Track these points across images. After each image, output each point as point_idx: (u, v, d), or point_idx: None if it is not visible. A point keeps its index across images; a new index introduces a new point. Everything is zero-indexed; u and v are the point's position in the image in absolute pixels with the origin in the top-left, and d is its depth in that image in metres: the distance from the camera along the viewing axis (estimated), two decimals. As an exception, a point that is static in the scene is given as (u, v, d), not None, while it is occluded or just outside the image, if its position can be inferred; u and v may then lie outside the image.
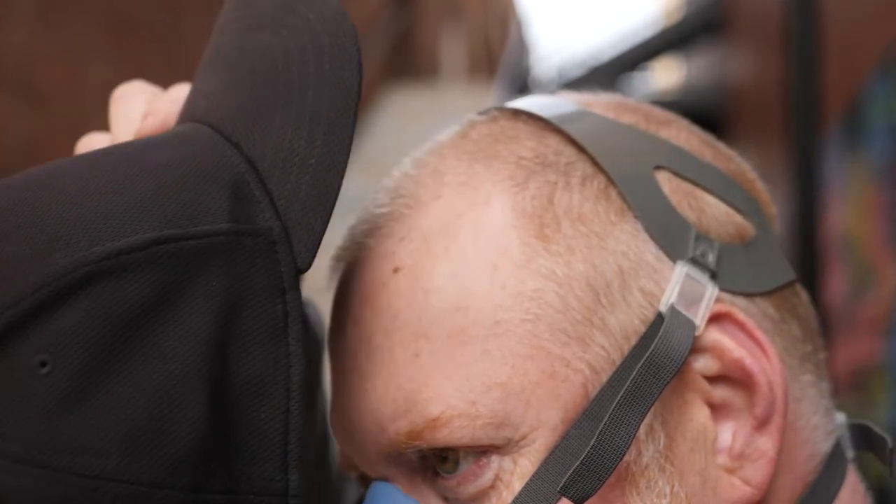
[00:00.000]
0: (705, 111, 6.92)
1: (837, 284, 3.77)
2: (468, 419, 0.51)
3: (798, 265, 2.50)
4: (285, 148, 0.51)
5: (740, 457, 0.53)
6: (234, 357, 0.47)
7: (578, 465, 0.48)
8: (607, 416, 0.48)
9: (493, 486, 0.52)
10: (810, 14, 2.40)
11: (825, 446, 0.58)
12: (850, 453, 0.60)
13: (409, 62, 12.17)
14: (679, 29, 9.66)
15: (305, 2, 0.56)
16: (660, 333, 0.50)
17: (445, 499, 0.54)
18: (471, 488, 0.52)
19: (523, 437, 0.51)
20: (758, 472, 0.53)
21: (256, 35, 0.57)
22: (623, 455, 0.48)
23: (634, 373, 0.49)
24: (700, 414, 0.53)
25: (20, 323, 0.44)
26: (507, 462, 0.52)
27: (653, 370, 0.49)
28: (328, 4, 0.55)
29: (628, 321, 0.52)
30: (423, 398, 0.52)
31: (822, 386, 0.60)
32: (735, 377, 0.54)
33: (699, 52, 9.89)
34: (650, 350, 0.50)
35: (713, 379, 0.54)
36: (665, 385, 0.49)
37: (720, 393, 0.54)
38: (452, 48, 14.16)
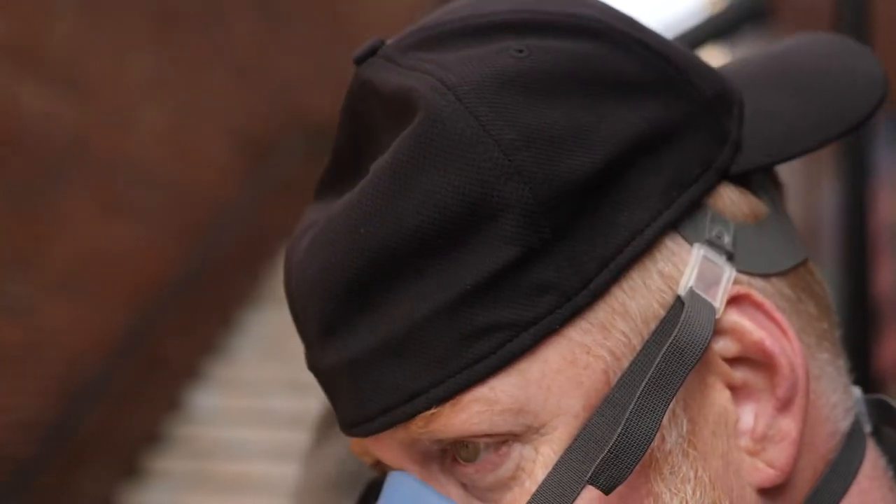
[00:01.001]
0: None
1: (887, 274, 3.73)
2: (486, 404, 0.50)
3: (847, 255, 2.47)
4: (782, 112, 0.57)
5: (763, 439, 0.53)
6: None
7: (606, 454, 0.47)
8: (633, 403, 0.48)
9: (514, 475, 0.51)
10: (860, 2, 2.38)
11: (845, 423, 0.57)
12: (868, 428, 0.59)
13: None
14: (724, 18, 9.58)
15: (862, 57, 0.61)
16: (682, 318, 0.50)
17: (464, 486, 0.54)
18: (491, 477, 0.52)
19: (543, 425, 0.51)
20: (781, 453, 0.53)
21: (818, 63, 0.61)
22: (650, 442, 0.48)
23: (658, 359, 0.49)
24: (721, 397, 0.53)
25: None
26: (528, 450, 0.51)
27: (676, 356, 0.49)
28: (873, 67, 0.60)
29: (648, 305, 0.52)
30: None
31: (839, 363, 0.59)
32: (755, 359, 0.53)
33: (744, 41, 9.80)
34: (673, 336, 0.49)
35: (732, 361, 0.53)
36: (689, 370, 0.49)
37: (740, 375, 0.53)
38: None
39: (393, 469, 0.57)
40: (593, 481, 0.48)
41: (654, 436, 0.48)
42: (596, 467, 0.47)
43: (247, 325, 6.63)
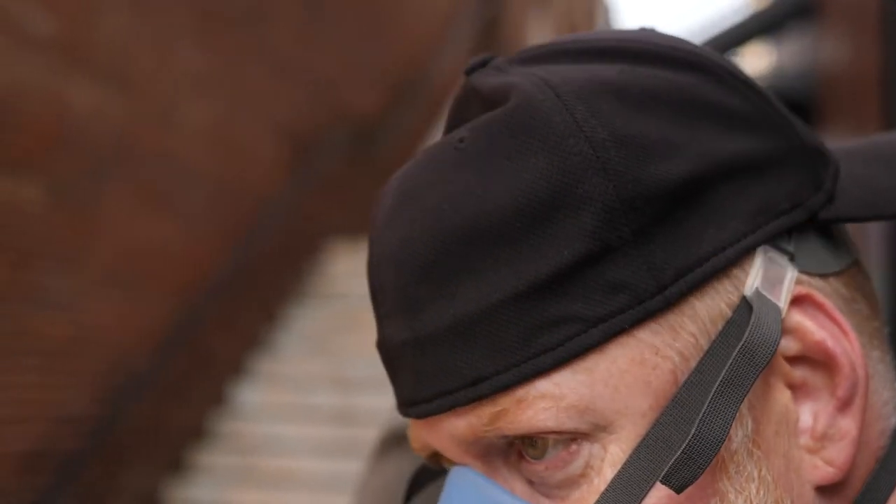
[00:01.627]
0: (796, 97, 6.81)
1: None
2: (552, 401, 0.51)
3: (894, 256, 2.45)
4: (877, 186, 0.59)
5: (823, 438, 0.54)
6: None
7: (680, 455, 0.48)
8: (706, 405, 0.49)
9: (583, 473, 0.52)
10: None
11: (893, 420, 0.58)
12: None
13: (495, 50, 12.13)
14: (770, 13, 9.51)
15: None
16: (752, 320, 0.51)
17: (530, 482, 0.54)
18: (560, 475, 0.52)
19: (610, 424, 0.51)
20: (841, 452, 0.54)
21: None
22: (722, 443, 0.48)
23: (730, 361, 0.49)
24: (783, 396, 0.54)
25: None
26: (596, 449, 0.51)
27: (748, 357, 0.49)
28: None
29: (715, 306, 0.52)
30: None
31: (888, 360, 0.60)
32: (816, 358, 0.54)
33: (790, 36, 9.72)
34: (745, 337, 0.50)
35: (792, 360, 0.54)
36: (760, 372, 0.50)
37: (799, 374, 0.55)
38: (538, 35, 14.10)
39: (454, 463, 0.57)
40: (666, 481, 0.48)
41: (726, 436, 0.48)
42: (669, 467, 0.48)
43: (291, 321, 6.66)
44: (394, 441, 0.95)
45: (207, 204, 5.76)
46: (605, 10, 15.82)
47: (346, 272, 7.02)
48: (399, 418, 0.93)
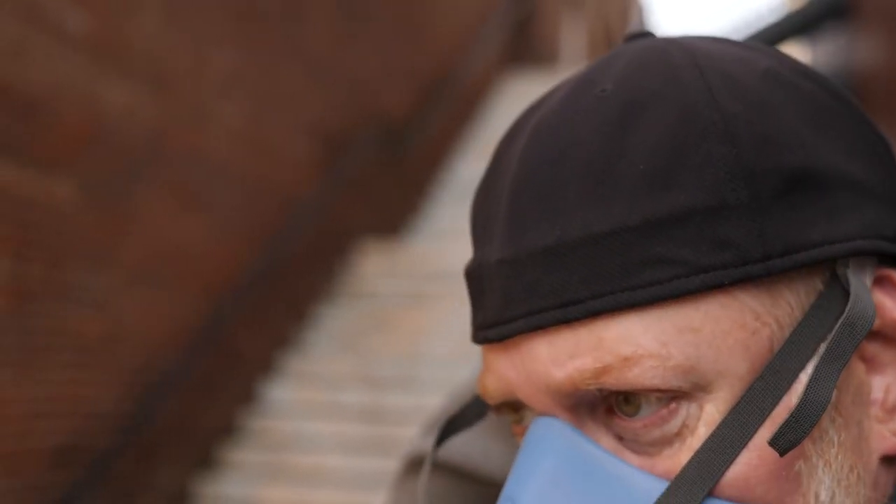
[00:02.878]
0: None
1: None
2: (659, 360, 0.52)
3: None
4: None
5: (892, 410, 0.57)
6: None
7: (789, 418, 0.50)
8: (812, 370, 0.51)
9: (679, 432, 0.53)
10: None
11: None
12: None
13: (528, 49, 12.13)
14: (805, 13, 9.45)
15: None
16: (852, 295, 0.53)
17: (619, 438, 0.55)
18: (657, 432, 0.53)
19: (709, 384, 0.53)
20: None
21: None
22: (825, 408, 0.51)
23: (834, 331, 0.52)
24: (859, 369, 0.57)
25: None
26: (693, 408, 0.53)
27: (849, 329, 0.52)
28: None
29: (811, 282, 0.55)
30: (612, 336, 0.53)
31: None
32: (890, 335, 0.57)
33: (826, 36, 9.65)
34: (847, 311, 0.52)
35: (869, 335, 0.57)
36: (859, 342, 0.52)
37: (872, 349, 0.57)
38: (572, 34, 14.07)
39: (536, 412, 0.57)
40: (773, 443, 0.50)
41: (829, 403, 0.51)
42: (777, 432, 0.50)
43: (321, 320, 6.69)
44: (414, 466, 0.96)
45: (239, 203, 5.79)
46: (640, 10, 15.76)
47: (376, 272, 7.05)
48: (419, 447, 0.94)
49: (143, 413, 4.80)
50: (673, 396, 0.53)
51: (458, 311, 5.72)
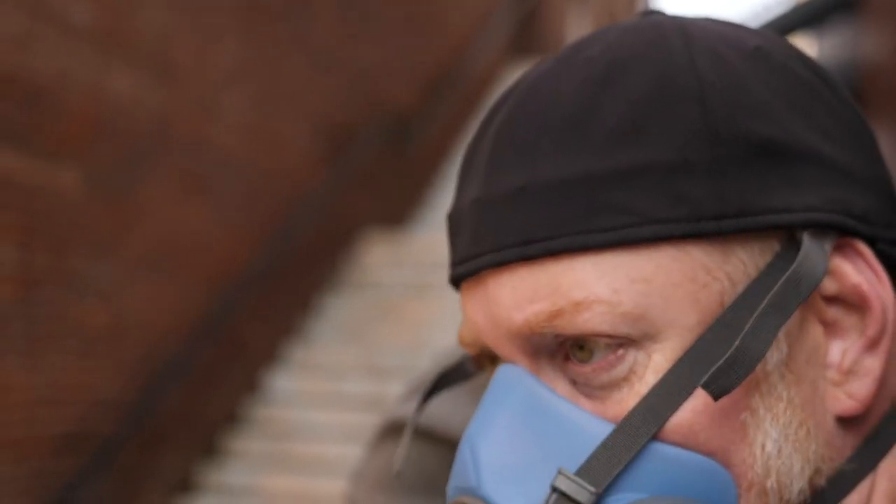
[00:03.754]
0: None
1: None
2: (609, 306, 0.54)
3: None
4: None
5: (848, 372, 0.58)
6: None
7: (722, 364, 0.52)
8: (751, 321, 0.53)
9: (626, 377, 0.55)
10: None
11: None
12: None
13: (534, 41, 12.12)
14: (812, 6, 9.43)
15: None
16: (801, 251, 0.55)
17: (574, 383, 0.58)
18: (605, 377, 0.56)
19: (658, 334, 0.55)
20: (863, 387, 0.58)
21: None
22: (761, 357, 0.52)
23: (778, 285, 0.54)
24: (816, 330, 0.58)
25: None
26: (641, 356, 0.55)
27: (793, 285, 0.54)
28: None
29: (767, 243, 0.57)
30: (567, 281, 0.56)
31: None
32: (850, 301, 0.58)
33: (832, 29, 9.63)
34: (794, 266, 0.54)
35: (828, 300, 0.59)
36: (803, 300, 0.54)
37: (832, 313, 0.59)
38: (578, 27, 14.05)
39: (502, 360, 0.61)
40: (706, 386, 0.52)
41: (766, 353, 0.54)
42: (711, 374, 0.52)
43: (325, 310, 6.70)
44: (391, 430, 0.98)
45: (244, 193, 5.81)
46: (646, 2, 15.73)
47: (380, 262, 7.06)
48: (398, 411, 0.96)
49: (147, 401, 4.82)
50: (621, 343, 0.55)
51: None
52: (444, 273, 6.45)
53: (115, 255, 4.63)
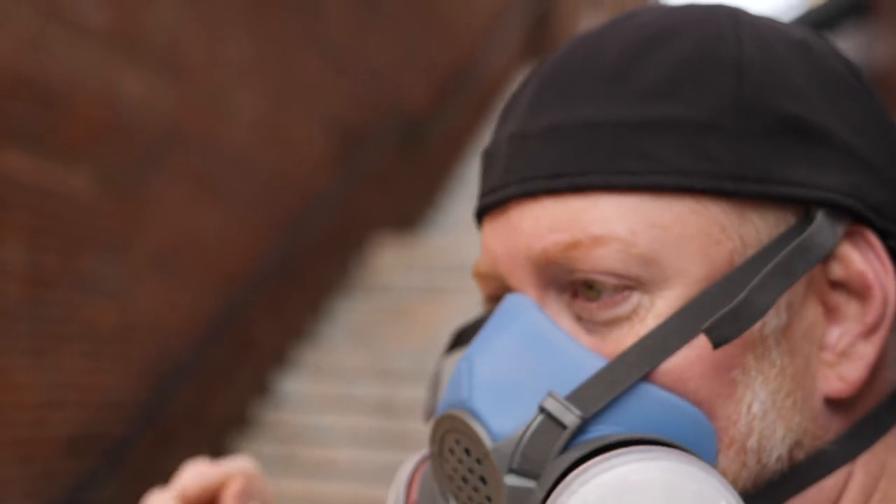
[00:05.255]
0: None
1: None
2: (625, 245, 0.56)
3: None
4: None
5: (842, 355, 0.60)
6: None
7: (725, 312, 0.54)
8: (758, 278, 0.55)
9: (629, 317, 0.57)
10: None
11: None
12: None
13: (547, 41, 12.10)
14: (824, 10, 9.43)
15: None
16: (814, 222, 0.57)
17: (578, 318, 0.60)
18: (608, 314, 0.58)
19: (666, 280, 0.57)
20: (855, 371, 0.59)
21: None
22: (764, 314, 0.55)
23: (787, 250, 0.56)
24: (816, 309, 0.60)
25: None
26: (646, 299, 0.57)
27: (802, 252, 0.56)
28: None
29: (782, 214, 0.59)
30: (589, 217, 0.58)
31: None
32: (854, 288, 0.60)
33: (844, 34, 9.61)
34: (804, 234, 0.56)
35: (833, 284, 0.60)
36: (809, 268, 0.56)
37: (836, 298, 0.60)
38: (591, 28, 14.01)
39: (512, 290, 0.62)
40: (708, 332, 0.54)
41: (768, 311, 0.55)
42: (713, 321, 0.54)
43: (335, 313, 6.70)
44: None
45: (255, 194, 5.81)
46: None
47: (392, 265, 7.05)
48: None
49: (156, 403, 4.82)
50: (629, 286, 0.57)
51: (474, 304, 5.72)
52: (455, 277, 6.44)
53: (125, 256, 4.63)
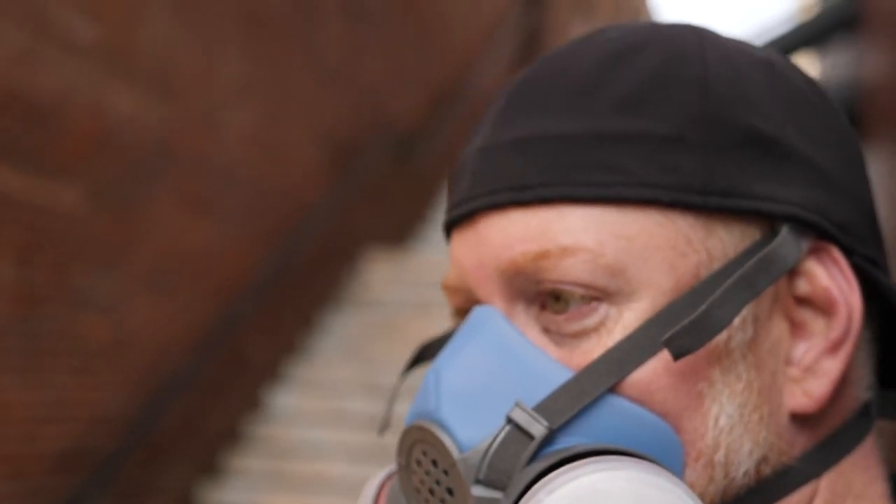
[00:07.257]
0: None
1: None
2: (592, 256, 0.57)
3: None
4: None
5: (807, 371, 0.60)
6: None
7: (686, 324, 0.54)
8: (720, 291, 0.55)
9: (596, 328, 0.58)
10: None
11: (863, 396, 0.65)
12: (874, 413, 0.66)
13: (540, 56, 12.14)
14: (814, 25, 9.45)
15: None
16: (778, 237, 0.58)
17: (546, 330, 0.60)
18: (576, 325, 0.58)
19: (633, 292, 0.57)
20: (820, 387, 0.60)
21: None
22: (725, 327, 0.55)
23: (750, 264, 0.56)
24: (782, 325, 0.60)
25: None
26: (613, 311, 0.58)
27: (765, 266, 0.56)
28: None
29: (748, 229, 0.59)
30: (556, 228, 0.58)
31: (874, 346, 0.68)
32: (819, 304, 0.61)
33: (834, 48, 9.64)
34: (767, 248, 0.57)
35: (799, 301, 0.61)
36: (772, 282, 0.57)
37: (801, 314, 0.61)
38: (582, 44, 14.02)
39: (480, 302, 0.63)
40: (667, 343, 0.54)
41: (729, 323, 0.55)
42: (673, 333, 0.54)
43: (328, 327, 6.70)
44: None
45: (248, 209, 5.81)
46: (651, 19, 15.75)
47: (384, 280, 7.05)
48: None
49: (148, 418, 4.81)
50: (596, 297, 0.58)
51: (464, 319, 5.72)
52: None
53: (116, 272, 4.63)
